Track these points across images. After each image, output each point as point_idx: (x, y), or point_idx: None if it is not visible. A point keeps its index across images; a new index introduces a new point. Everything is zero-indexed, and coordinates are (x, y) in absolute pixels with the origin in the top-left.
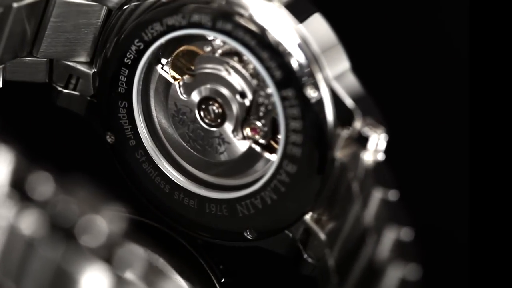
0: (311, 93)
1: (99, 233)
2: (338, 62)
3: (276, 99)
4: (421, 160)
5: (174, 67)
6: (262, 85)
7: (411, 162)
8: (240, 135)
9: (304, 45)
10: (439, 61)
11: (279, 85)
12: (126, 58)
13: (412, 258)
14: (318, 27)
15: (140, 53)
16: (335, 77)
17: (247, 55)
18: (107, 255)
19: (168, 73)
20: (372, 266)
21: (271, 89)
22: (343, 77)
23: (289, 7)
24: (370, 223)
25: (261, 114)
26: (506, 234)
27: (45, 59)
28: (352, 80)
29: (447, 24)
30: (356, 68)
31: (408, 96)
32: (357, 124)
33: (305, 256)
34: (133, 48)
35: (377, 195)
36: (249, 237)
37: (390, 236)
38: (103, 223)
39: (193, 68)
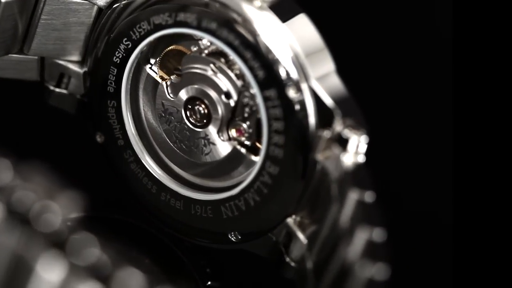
0: (292, 93)
1: (54, 219)
2: (321, 63)
3: (259, 99)
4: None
5: (162, 67)
6: (247, 85)
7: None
8: (225, 136)
9: (287, 46)
10: (424, 63)
11: (262, 85)
12: (115, 57)
13: (382, 258)
14: (302, 28)
15: (128, 52)
16: (317, 78)
17: (231, 55)
18: (61, 241)
19: (156, 73)
20: (342, 268)
21: (254, 89)
22: (326, 79)
23: (274, 7)
24: (346, 225)
25: (246, 115)
26: (489, 219)
27: (36, 57)
28: (335, 81)
29: (431, 26)
30: (343, 69)
31: (393, 97)
32: (337, 125)
33: (287, 259)
34: (122, 47)
35: (353, 197)
36: (233, 239)
37: (362, 237)
38: (59, 209)
39: (180, 68)
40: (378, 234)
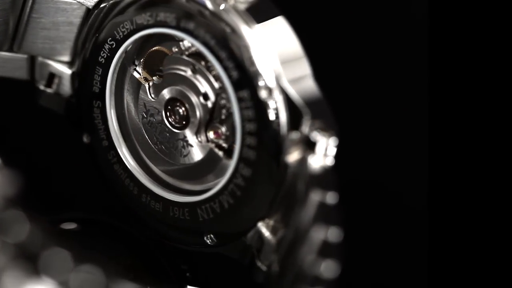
0: (264, 95)
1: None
2: (296, 65)
3: (233, 100)
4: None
5: (146, 68)
6: (225, 87)
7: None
8: (203, 138)
9: (262, 47)
10: (399, 65)
11: (236, 86)
12: (100, 57)
13: (335, 257)
14: (278, 30)
15: (112, 51)
16: (291, 80)
17: (207, 55)
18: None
19: (140, 74)
20: (300, 270)
21: (229, 90)
22: (299, 81)
23: (250, 8)
24: (307, 227)
25: (223, 117)
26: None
27: (26, 56)
28: (309, 84)
29: (405, 27)
30: (320, 71)
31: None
32: (306, 128)
33: (258, 263)
34: (107, 46)
35: (316, 198)
36: (208, 242)
37: (318, 238)
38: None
39: (162, 69)
40: (334, 235)
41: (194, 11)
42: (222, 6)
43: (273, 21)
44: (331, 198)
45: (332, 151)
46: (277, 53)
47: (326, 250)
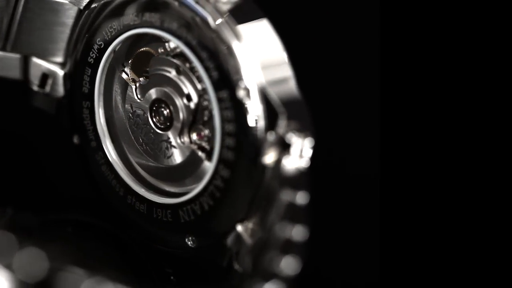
0: (242, 95)
1: None
2: (276, 67)
3: (213, 100)
4: None
5: (133, 69)
6: (206, 88)
7: None
8: (186, 140)
9: (243, 48)
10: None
11: (216, 86)
12: (89, 57)
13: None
14: (260, 31)
15: (101, 52)
16: (270, 82)
17: (189, 55)
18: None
19: (128, 75)
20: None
21: (209, 91)
22: (279, 82)
23: (233, 10)
24: (279, 227)
25: (206, 118)
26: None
27: (19, 56)
28: (288, 86)
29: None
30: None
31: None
32: (281, 129)
33: (236, 266)
34: (96, 47)
35: (287, 199)
36: (189, 243)
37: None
38: None
39: (148, 70)
40: (299, 232)
41: (178, 12)
42: (206, 8)
43: (255, 22)
44: (301, 198)
45: (307, 152)
46: (257, 54)
47: (290, 248)
